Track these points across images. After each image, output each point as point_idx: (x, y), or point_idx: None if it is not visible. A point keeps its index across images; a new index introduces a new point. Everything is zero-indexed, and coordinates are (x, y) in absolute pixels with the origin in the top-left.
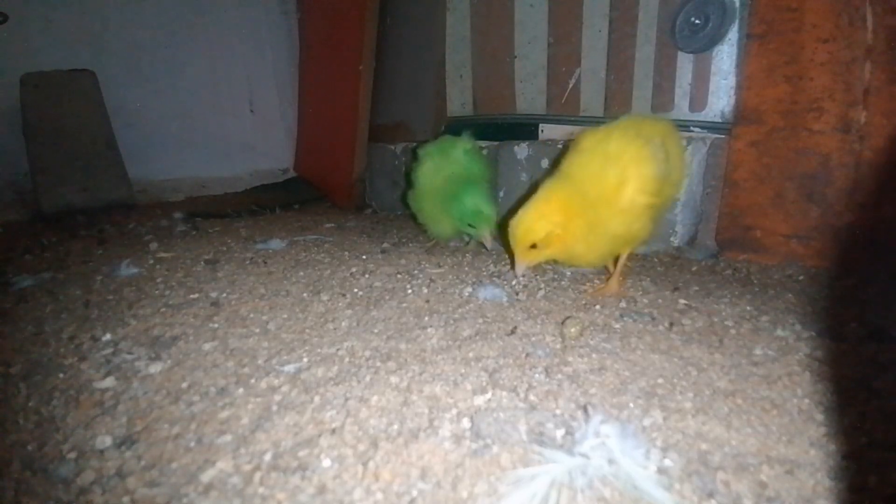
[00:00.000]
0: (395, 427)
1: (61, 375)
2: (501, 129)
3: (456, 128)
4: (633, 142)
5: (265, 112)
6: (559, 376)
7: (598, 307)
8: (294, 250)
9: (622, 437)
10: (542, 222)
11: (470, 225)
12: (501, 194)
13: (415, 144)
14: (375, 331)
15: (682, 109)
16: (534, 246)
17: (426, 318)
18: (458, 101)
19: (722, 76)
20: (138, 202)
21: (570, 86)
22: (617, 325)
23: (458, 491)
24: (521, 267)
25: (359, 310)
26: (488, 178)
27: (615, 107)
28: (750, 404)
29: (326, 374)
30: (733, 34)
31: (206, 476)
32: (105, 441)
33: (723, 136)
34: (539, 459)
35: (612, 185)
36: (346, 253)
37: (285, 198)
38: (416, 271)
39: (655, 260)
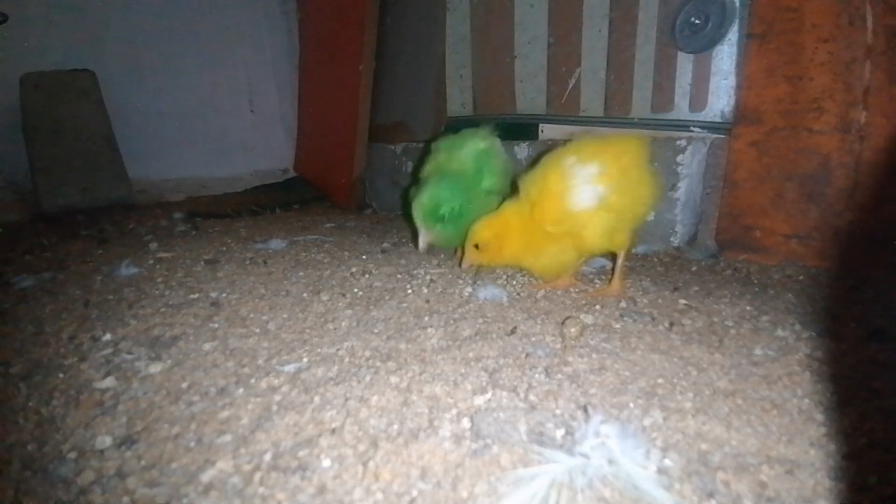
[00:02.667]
0: (395, 427)
1: (61, 375)
2: (501, 129)
3: (458, 127)
4: (552, 170)
5: (265, 112)
6: (559, 376)
7: (598, 307)
8: (294, 250)
9: (622, 437)
10: (486, 230)
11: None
12: None
13: (414, 143)
14: (375, 331)
15: (682, 109)
16: (478, 247)
17: (426, 318)
18: (458, 100)
19: (722, 76)
20: (138, 202)
21: (570, 86)
22: (617, 325)
23: (458, 491)
24: (466, 261)
25: (359, 310)
26: (498, 187)
27: (615, 107)
28: (750, 404)
29: (326, 374)
30: (733, 34)
31: (206, 476)
32: (105, 441)
33: (723, 136)
34: (539, 459)
35: (529, 210)
36: (346, 253)
37: (285, 198)
38: (416, 271)
39: (655, 260)
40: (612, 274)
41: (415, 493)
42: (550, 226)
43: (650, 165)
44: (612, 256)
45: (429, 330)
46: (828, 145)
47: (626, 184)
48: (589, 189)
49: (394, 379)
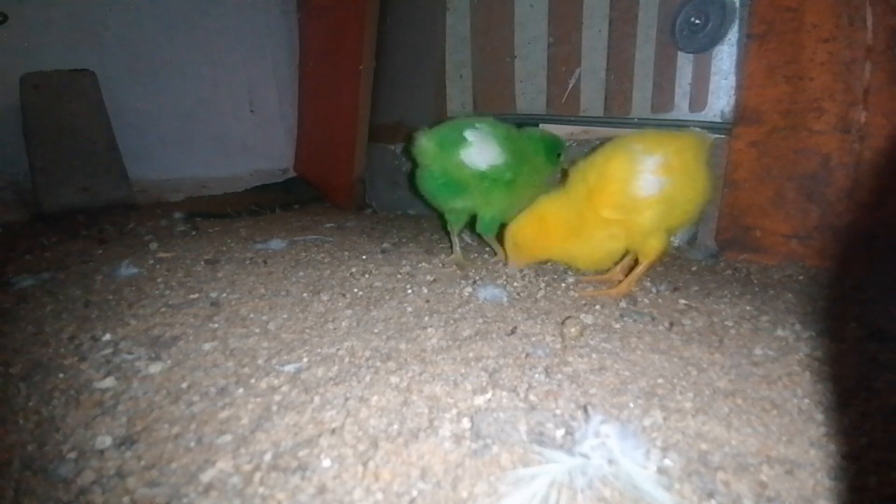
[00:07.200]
0: (395, 427)
1: (61, 375)
2: None
3: None
4: (617, 155)
5: (265, 112)
6: (559, 376)
7: (598, 307)
8: (294, 250)
9: (622, 437)
10: (525, 230)
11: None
12: None
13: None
14: (375, 331)
15: (682, 109)
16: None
17: (426, 318)
18: (458, 100)
19: (722, 76)
20: (138, 202)
21: (570, 86)
22: (617, 325)
23: (458, 491)
24: (511, 266)
25: (359, 310)
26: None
27: (615, 107)
28: (750, 404)
29: (326, 374)
30: (733, 34)
31: (206, 476)
32: (105, 441)
33: (723, 136)
34: (539, 459)
35: (585, 195)
36: (346, 253)
37: (285, 198)
38: (416, 271)
39: None
40: (625, 276)
41: (415, 493)
42: (609, 211)
43: (707, 167)
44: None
45: (429, 330)
46: (828, 145)
47: (685, 180)
48: (652, 178)
49: (394, 379)
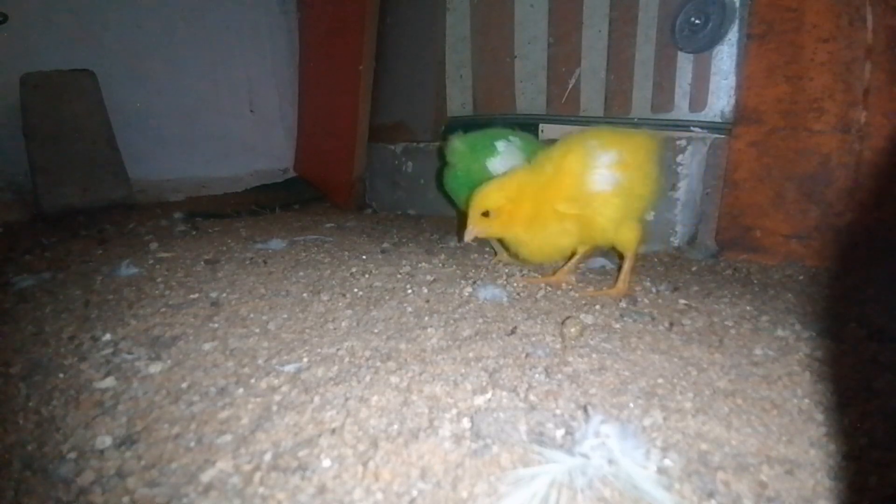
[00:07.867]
0: (395, 427)
1: (61, 375)
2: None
3: (456, 128)
4: (573, 150)
5: (265, 112)
6: (559, 376)
7: (598, 307)
8: (294, 250)
9: (622, 437)
10: (498, 194)
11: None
12: None
13: (414, 143)
14: (375, 331)
15: (682, 109)
16: (486, 214)
17: (426, 318)
18: (459, 100)
19: (722, 76)
20: (138, 202)
21: (570, 86)
22: (617, 325)
23: (458, 491)
24: (470, 233)
25: (359, 310)
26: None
27: (615, 107)
28: (750, 404)
29: (326, 374)
30: (733, 34)
31: (206, 476)
32: (105, 441)
33: (723, 136)
34: (539, 459)
35: (543, 187)
36: (346, 253)
37: (285, 198)
38: (416, 271)
39: (655, 260)
40: (618, 275)
41: (415, 493)
42: (564, 205)
43: (659, 163)
44: (615, 258)
45: (429, 330)
46: (828, 145)
47: (639, 176)
48: (607, 174)
49: (394, 379)
